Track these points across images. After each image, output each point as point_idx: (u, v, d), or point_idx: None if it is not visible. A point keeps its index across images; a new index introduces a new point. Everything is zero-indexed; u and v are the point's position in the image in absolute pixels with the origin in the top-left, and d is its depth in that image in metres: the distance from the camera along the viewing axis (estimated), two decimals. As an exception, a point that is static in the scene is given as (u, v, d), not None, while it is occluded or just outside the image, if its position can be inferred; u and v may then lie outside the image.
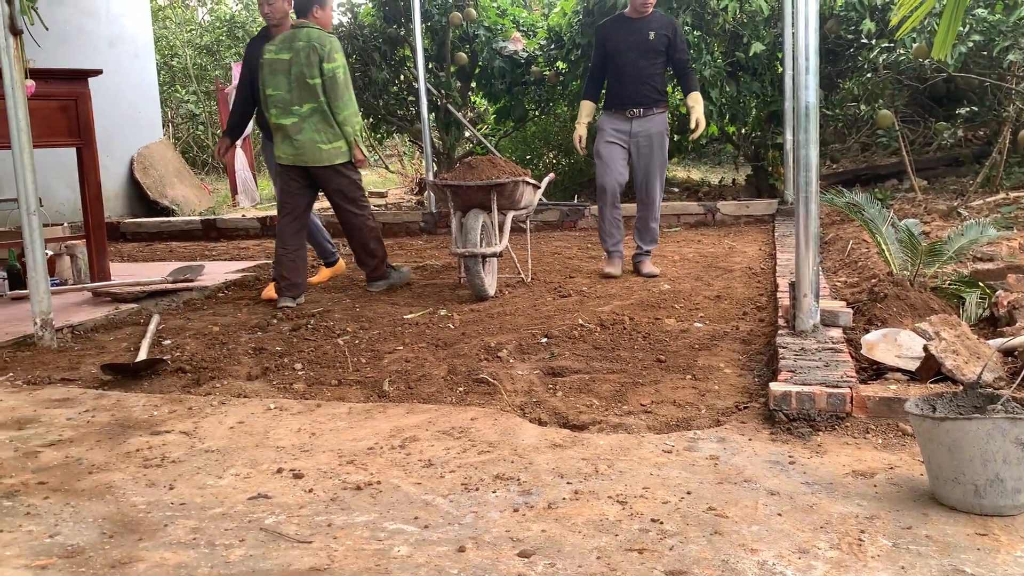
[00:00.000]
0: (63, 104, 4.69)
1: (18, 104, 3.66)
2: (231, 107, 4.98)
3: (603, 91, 5.31)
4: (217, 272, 5.73)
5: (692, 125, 5.13)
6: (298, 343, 3.80)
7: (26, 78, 3.84)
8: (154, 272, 5.61)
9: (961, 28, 5.78)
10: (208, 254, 7.18)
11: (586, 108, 5.32)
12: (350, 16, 9.00)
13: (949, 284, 3.45)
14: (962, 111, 7.19)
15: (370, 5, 8.98)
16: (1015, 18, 5.76)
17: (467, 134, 9.50)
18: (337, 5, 9.12)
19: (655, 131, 5.10)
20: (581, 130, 5.27)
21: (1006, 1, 5.87)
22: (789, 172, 7.06)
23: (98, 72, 4.88)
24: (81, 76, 4.74)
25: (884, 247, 3.51)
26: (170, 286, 4.96)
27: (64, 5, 8.55)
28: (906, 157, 7.32)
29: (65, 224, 5.88)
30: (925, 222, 5.89)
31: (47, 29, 3.67)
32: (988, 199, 6.67)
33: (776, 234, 6.27)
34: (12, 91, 3.65)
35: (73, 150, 4.95)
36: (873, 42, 6.85)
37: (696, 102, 5.15)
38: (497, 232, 4.75)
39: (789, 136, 6.89)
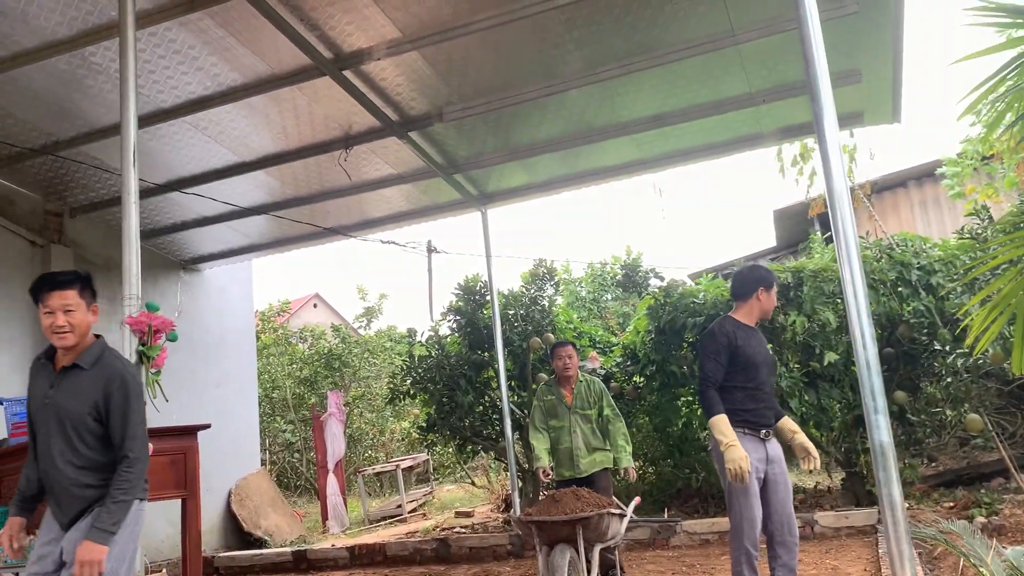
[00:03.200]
0: (173, 458, 5.03)
1: (135, 469, 3.96)
2: (23, 470, 3.55)
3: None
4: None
5: (805, 455, 4.42)
6: None
7: (144, 441, 4.19)
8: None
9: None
10: (297, 590, 7.16)
11: (729, 423, 4.24)
12: (438, 348, 9.61)
13: (1075, 621, 3.20)
14: (1055, 411, 7.02)
15: (456, 335, 9.63)
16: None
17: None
18: (427, 339, 9.81)
19: (782, 454, 4.41)
20: (742, 451, 4.14)
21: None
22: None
23: (207, 426, 5.28)
24: (191, 431, 5.13)
25: (993, 582, 3.33)
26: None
27: (179, 352, 9.40)
28: (1006, 456, 7.05)
29: (164, 571, 6.03)
30: (1041, 532, 5.55)
31: (167, 400, 4.06)
32: (1107, 500, 6.29)
33: (880, 550, 5.95)
34: (131, 458, 3.97)
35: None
36: (947, 347, 6.92)
37: (796, 425, 4.51)
38: (585, 568, 4.67)
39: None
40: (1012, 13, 3.89)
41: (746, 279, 4.61)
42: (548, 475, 6.07)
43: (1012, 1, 3.49)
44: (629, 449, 6.03)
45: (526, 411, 9.28)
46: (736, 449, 4.12)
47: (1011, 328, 4.71)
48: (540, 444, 6.14)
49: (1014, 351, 4.55)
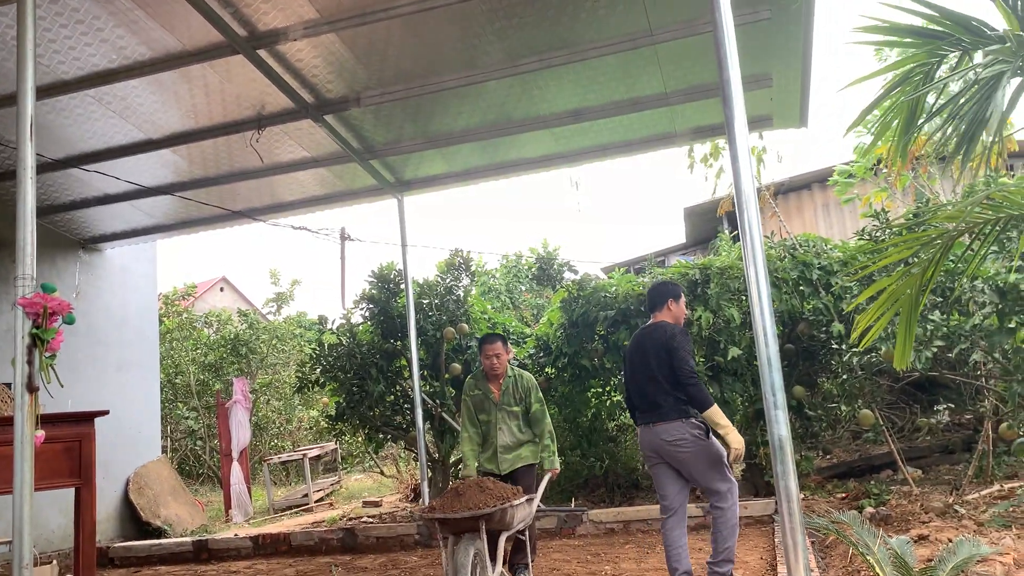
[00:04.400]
0: (67, 446, 4.83)
1: (25, 458, 3.78)
2: None
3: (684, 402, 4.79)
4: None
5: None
6: None
7: (37, 427, 4.01)
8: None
9: (924, 334, 6.16)
10: (197, 581, 6.98)
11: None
12: (349, 336, 9.49)
13: (952, 606, 3.40)
14: (940, 407, 7.43)
15: (369, 324, 9.53)
16: (971, 324, 6.16)
17: (462, 440, 9.65)
18: (338, 327, 9.67)
19: None
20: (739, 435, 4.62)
21: (960, 309, 6.31)
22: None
23: (104, 413, 5.08)
24: (88, 418, 4.94)
25: (879, 571, 3.50)
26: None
27: (78, 335, 9.02)
28: (895, 451, 7.42)
29: (54, 563, 5.78)
30: (923, 522, 5.86)
31: (62, 386, 3.89)
32: (983, 491, 6.68)
33: (776, 539, 6.19)
34: (21, 445, 3.79)
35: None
36: (843, 346, 7.22)
37: None
38: (489, 558, 4.66)
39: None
40: (903, 33, 4.09)
41: (658, 292, 5.12)
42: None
43: (907, 21, 3.66)
44: (554, 448, 5.85)
45: (438, 401, 9.27)
46: (736, 432, 4.58)
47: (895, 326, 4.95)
48: (467, 446, 5.88)
49: (896, 347, 4.79)
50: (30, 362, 3.91)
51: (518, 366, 9.28)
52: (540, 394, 5.95)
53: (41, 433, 4.05)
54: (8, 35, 5.33)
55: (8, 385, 5.53)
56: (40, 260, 3.94)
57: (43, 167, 7.17)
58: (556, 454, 5.83)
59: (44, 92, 5.89)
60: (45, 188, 7.94)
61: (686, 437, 4.67)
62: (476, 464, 5.86)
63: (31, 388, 3.91)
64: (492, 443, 5.86)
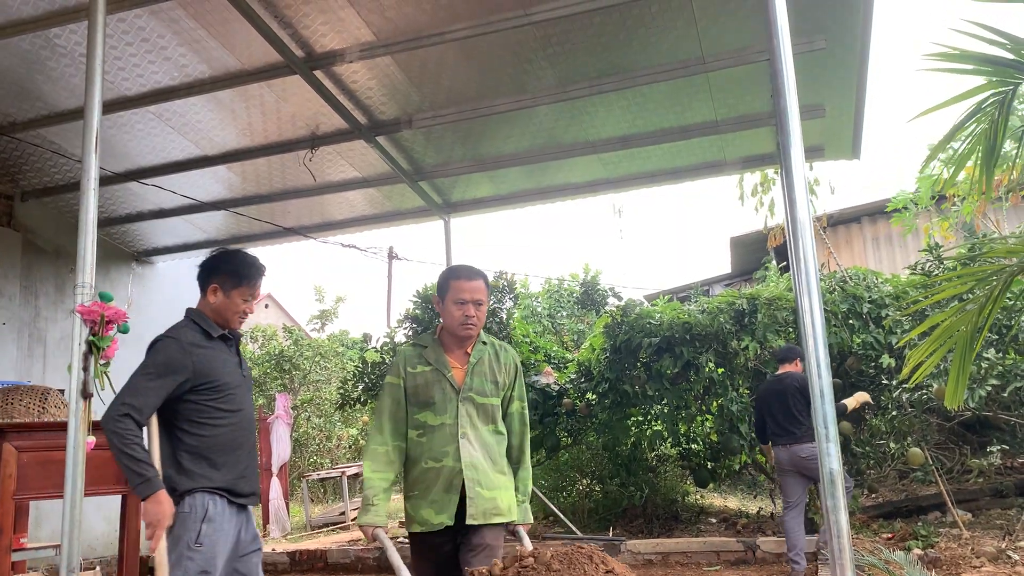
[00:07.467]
0: (115, 453, 4.90)
1: (77, 463, 3.86)
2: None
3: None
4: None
5: None
6: None
7: (88, 433, 4.09)
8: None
9: (978, 372, 6.00)
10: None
11: None
12: (393, 355, 9.54)
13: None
14: (993, 448, 7.22)
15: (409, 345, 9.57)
16: (1028, 363, 6.00)
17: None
18: (381, 346, 9.73)
19: None
20: None
21: (1017, 347, 6.15)
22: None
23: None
24: (137, 426, 5.00)
25: (930, 612, 3.40)
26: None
27: (127, 346, 9.18)
28: (944, 492, 7.23)
29: (98, 568, 5.86)
30: (974, 566, 5.69)
31: (115, 392, 3.96)
32: (1038, 537, 6.48)
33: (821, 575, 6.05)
34: (73, 451, 3.87)
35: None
36: (893, 382, 7.07)
37: None
38: None
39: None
40: (973, 61, 4.00)
41: (792, 351, 6.72)
42: (373, 539, 3.18)
43: (976, 49, 3.59)
44: (530, 487, 3.48)
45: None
46: None
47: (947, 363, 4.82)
48: (378, 465, 3.26)
49: (948, 385, 4.66)
50: (85, 368, 4.00)
51: (558, 391, 9.27)
52: (524, 389, 3.55)
53: (92, 439, 4.13)
54: (76, 51, 5.51)
55: (62, 391, 5.65)
56: (96, 271, 4.03)
57: (103, 180, 7.26)
58: (528, 500, 3.48)
59: (107, 107, 6.04)
60: (103, 201, 8.14)
61: (816, 455, 5.98)
62: (387, 505, 3.25)
63: (85, 394, 3.98)
64: (446, 468, 3.20)
